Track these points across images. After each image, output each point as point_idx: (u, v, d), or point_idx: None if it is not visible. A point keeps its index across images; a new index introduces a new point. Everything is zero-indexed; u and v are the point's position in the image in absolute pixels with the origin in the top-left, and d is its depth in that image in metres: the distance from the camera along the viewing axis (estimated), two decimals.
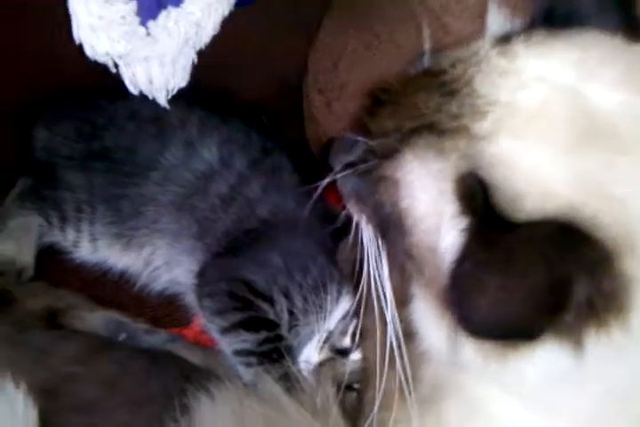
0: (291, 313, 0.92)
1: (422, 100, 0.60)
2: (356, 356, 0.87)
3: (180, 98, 1.03)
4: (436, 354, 0.65)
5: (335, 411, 0.75)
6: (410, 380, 0.69)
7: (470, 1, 0.97)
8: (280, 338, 0.91)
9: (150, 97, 0.84)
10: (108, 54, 0.76)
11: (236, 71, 1.18)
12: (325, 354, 0.89)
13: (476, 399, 0.66)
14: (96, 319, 0.96)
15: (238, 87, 1.17)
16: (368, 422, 0.71)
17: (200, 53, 0.86)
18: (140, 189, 1.01)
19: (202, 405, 0.75)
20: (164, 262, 1.02)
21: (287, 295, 0.92)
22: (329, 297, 0.92)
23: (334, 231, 0.97)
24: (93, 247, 1.04)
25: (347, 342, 0.88)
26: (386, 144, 0.60)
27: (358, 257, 0.73)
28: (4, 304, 0.95)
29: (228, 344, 0.92)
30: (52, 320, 0.95)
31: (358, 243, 0.72)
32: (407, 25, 1.04)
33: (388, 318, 0.66)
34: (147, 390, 0.81)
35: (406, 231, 0.58)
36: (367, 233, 0.68)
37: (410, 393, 0.69)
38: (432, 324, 0.63)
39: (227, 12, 0.83)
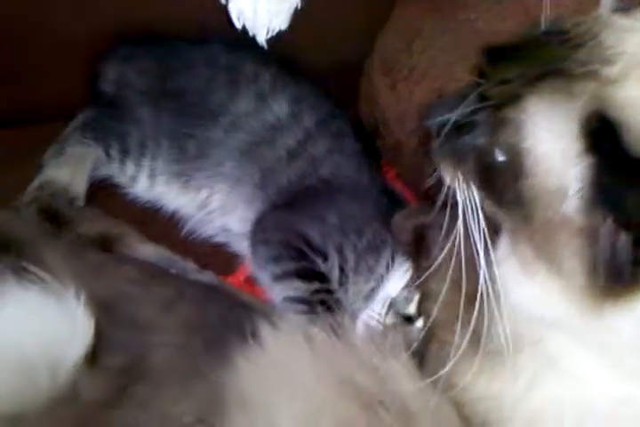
0: (341, 270, 0.93)
1: (547, 52, 0.62)
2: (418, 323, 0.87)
3: (254, 54, 1.08)
4: (521, 309, 0.67)
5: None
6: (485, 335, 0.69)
7: None
8: (330, 292, 0.92)
9: (251, 33, 0.85)
10: None
11: (301, 42, 1.20)
12: (391, 319, 0.89)
13: (551, 354, 0.67)
14: (148, 251, 0.96)
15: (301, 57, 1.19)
16: (436, 377, 0.71)
17: None
18: (207, 132, 1.02)
19: (269, 333, 0.75)
20: (220, 207, 1.03)
21: (340, 253, 0.94)
22: (382, 261, 0.93)
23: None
24: (151, 183, 1.05)
25: (412, 309, 0.88)
26: (507, 90, 0.62)
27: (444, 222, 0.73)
28: (58, 225, 0.95)
29: (279, 291, 0.93)
30: (105, 246, 0.95)
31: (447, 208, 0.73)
32: (491, 12, 1.07)
33: (481, 276, 0.67)
34: (203, 317, 0.81)
35: (523, 173, 0.60)
36: (463, 192, 0.69)
37: (483, 347, 0.69)
38: (527, 278, 0.65)
39: None
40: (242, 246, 1.02)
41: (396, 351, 0.74)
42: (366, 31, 1.25)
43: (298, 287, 0.91)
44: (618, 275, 0.57)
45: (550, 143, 0.58)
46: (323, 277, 0.93)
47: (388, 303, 0.91)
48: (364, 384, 0.71)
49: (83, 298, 0.77)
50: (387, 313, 0.90)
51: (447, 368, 0.69)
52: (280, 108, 1.04)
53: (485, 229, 0.67)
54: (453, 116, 0.69)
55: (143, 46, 1.11)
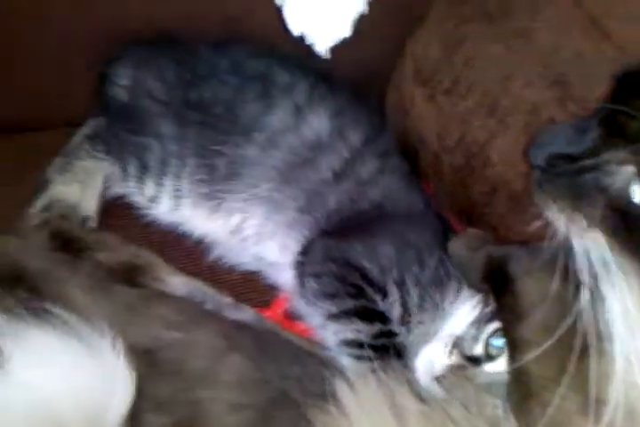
0: (405, 308, 0.82)
1: None
2: (494, 367, 0.77)
3: (286, 61, 0.96)
4: None
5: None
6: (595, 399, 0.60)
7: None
8: (393, 334, 0.81)
9: (309, 41, 0.74)
10: None
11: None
12: (455, 360, 0.79)
13: None
14: (180, 285, 0.84)
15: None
16: None
17: None
18: (240, 150, 0.91)
19: (344, 391, 0.64)
20: (255, 234, 0.91)
21: (402, 288, 0.82)
22: (448, 295, 0.83)
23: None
24: (175, 205, 0.93)
25: (479, 349, 0.78)
26: None
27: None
28: (74, 253, 0.82)
29: (334, 332, 0.81)
30: (129, 279, 0.82)
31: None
32: (551, 21, 0.98)
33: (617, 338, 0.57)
34: (261, 372, 0.69)
35: None
36: (583, 237, 0.60)
37: (598, 415, 0.60)
38: None
39: None
40: (279, 277, 0.91)
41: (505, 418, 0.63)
42: (392, 36, 1.14)
43: (359, 329, 0.79)
44: None
45: None
46: (383, 318, 0.81)
47: (452, 342, 0.80)
48: None
49: (120, 347, 0.64)
50: (450, 353, 0.80)
51: None
52: (320, 122, 0.93)
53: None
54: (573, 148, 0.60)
55: (159, 48, 0.98)
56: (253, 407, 0.66)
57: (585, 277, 0.60)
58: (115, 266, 0.83)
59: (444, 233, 0.90)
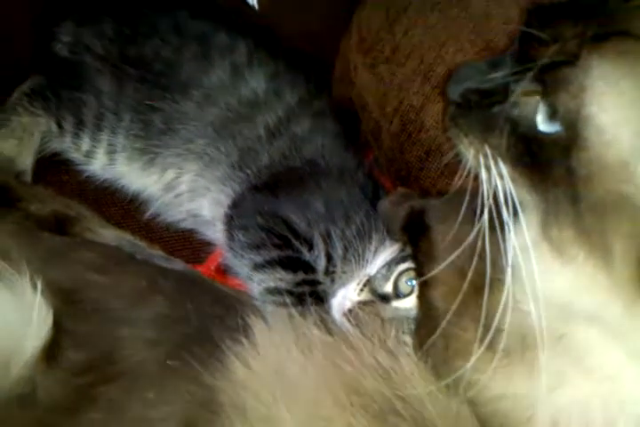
0: (329, 259, 0.84)
1: (607, 11, 0.55)
2: (402, 304, 0.80)
3: (229, 23, 0.98)
4: (548, 300, 0.60)
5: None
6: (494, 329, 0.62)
7: None
8: (317, 282, 0.83)
9: None
10: None
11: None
12: (365, 296, 0.81)
13: (577, 350, 0.60)
14: (110, 236, 0.85)
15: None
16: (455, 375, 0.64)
17: None
18: (177, 105, 0.92)
19: (261, 332, 0.65)
20: (189, 190, 0.92)
21: (328, 240, 0.85)
22: (372, 247, 0.85)
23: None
24: (109, 160, 0.94)
25: (388, 287, 0.81)
26: (563, 49, 0.54)
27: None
28: (5, 204, 0.82)
29: (259, 282, 0.83)
30: (60, 229, 0.83)
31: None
32: None
33: (504, 263, 0.59)
34: (180, 311, 0.70)
35: (578, 145, 0.53)
36: (489, 170, 0.62)
37: (496, 343, 0.62)
38: (561, 265, 0.57)
39: None
40: (213, 233, 0.92)
41: (403, 349, 0.65)
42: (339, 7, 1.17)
43: (281, 278, 0.81)
44: None
45: (616, 110, 0.51)
46: (308, 267, 0.84)
47: (364, 281, 0.83)
48: (371, 390, 0.63)
49: (39, 285, 0.66)
50: (361, 290, 0.83)
51: (468, 366, 0.62)
52: (258, 82, 0.94)
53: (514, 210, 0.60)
54: (484, 83, 0.61)
55: (101, 5, 0.99)
56: (169, 343, 0.67)
57: (486, 208, 0.61)
58: (46, 216, 0.83)
59: (376, 191, 0.91)
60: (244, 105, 0.92)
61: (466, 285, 0.63)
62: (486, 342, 0.60)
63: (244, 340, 0.64)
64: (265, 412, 0.59)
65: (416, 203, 0.84)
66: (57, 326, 0.66)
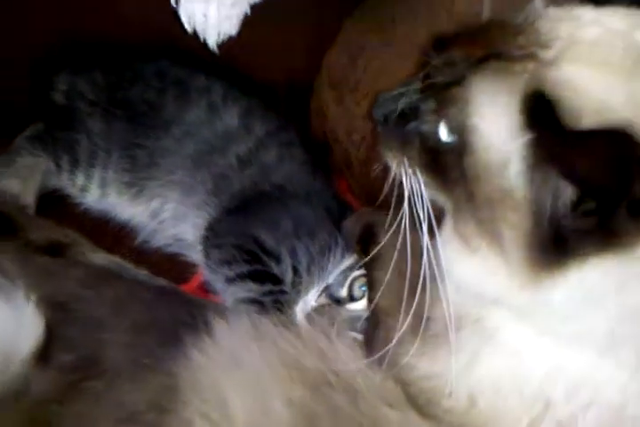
0: (295, 272, 0.94)
1: (487, 37, 0.66)
2: (354, 306, 0.90)
3: (204, 69, 1.10)
4: (463, 288, 0.69)
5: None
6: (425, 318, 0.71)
7: None
8: (283, 292, 0.93)
9: (202, 38, 0.87)
10: None
11: (254, 58, 1.22)
12: (322, 300, 0.92)
13: (489, 330, 0.69)
14: (99, 259, 0.96)
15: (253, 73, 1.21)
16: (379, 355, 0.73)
17: None
18: (159, 142, 1.04)
19: (220, 326, 0.76)
20: (172, 216, 1.03)
21: (293, 255, 0.95)
22: (333, 260, 0.95)
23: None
24: (102, 194, 1.05)
25: (343, 292, 0.91)
26: (453, 71, 0.65)
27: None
28: (8, 232, 0.94)
29: (231, 293, 0.93)
30: (55, 254, 0.94)
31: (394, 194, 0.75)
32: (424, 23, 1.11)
33: (425, 259, 0.69)
34: (153, 315, 0.81)
35: (467, 150, 0.62)
36: (409, 178, 0.71)
37: (425, 329, 0.71)
38: (468, 256, 0.67)
39: None
40: (195, 254, 1.02)
41: (342, 335, 0.76)
42: (317, 49, 1.28)
43: (250, 289, 0.92)
44: (555, 245, 0.59)
45: (493, 119, 0.61)
46: (275, 279, 0.94)
47: (322, 288, 0.93)
48: (310, 367, 0.73)
49: (33, 297, 0.77)
50: (319, 296, 0.93)
51: (389, 347, 0.72)
52: (231, 119, 1.06)
53: (430, 213, 0.69)
54: (399, 105, 0.71)
55: (94, 57, 1.12)
56: (144, 345, 0.77)
57: (420, 215, 0.71)
58: (43, 243, 0.95)
59: (343, 212, 1.01)
60: (218, 138, 1.04)
61: (407, 283, 0.72)
62: (419, 331, 0.69)
63: (205, 336, 0.74)
64: (217, 391, 0.68)
65: (369, 216, 0.94)
66: (49, 331, 0.76)
